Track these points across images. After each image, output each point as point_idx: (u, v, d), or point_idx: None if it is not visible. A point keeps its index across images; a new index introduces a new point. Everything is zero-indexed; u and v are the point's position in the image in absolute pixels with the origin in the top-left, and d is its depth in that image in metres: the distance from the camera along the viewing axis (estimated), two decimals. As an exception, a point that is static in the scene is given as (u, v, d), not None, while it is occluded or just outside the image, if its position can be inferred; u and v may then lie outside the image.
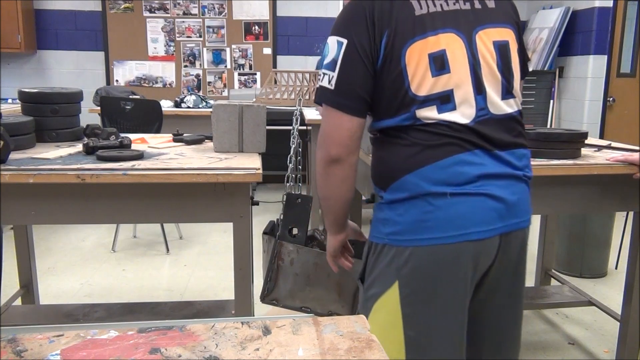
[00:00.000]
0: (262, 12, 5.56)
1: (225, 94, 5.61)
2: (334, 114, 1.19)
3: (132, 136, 2.06)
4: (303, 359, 0.67)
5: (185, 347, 0.70)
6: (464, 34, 1.17)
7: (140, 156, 1.73)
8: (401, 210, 1.18)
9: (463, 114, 1.16)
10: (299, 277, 1.74)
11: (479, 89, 1.17)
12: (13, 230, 2.50)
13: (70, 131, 2.00)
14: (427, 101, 1.14)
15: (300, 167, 2.00)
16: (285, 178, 1.87)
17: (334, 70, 1.18)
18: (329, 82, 1.18)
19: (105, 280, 3.24)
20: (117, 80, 5.55)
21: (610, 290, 3.16)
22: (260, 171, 1.64)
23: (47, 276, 3.24)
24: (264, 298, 1.78)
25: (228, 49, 5.61)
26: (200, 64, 5.61)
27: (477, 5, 1.21)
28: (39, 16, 5.39)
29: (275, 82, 1.90)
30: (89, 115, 4.05)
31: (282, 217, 1.77)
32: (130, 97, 3.93)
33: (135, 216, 1.88)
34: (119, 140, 1.86)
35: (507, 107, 1.22)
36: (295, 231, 1.76)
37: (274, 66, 5.64)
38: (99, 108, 3.84)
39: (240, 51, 5.62)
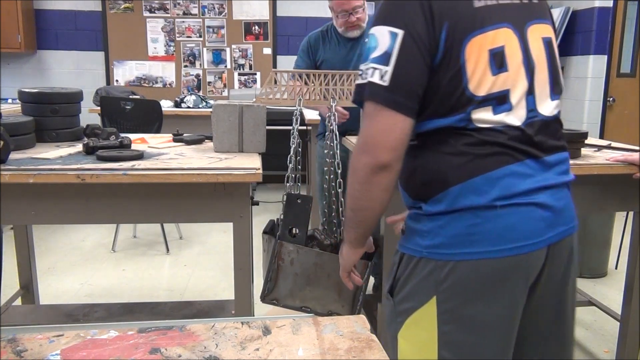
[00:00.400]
0: (262, 12, 5.56)
1: (225, 94, 5.60)
2: (387, 113, 1.05)
3: (132, 136, 2.06)
4: (303, 359, 0.67)
5: (185, 347, 0.70)
6: (517, 30, 1.09)
7: (140, 156, 1.73)
8: (443, 223, 1.09)
9: (516, 116, 1.08)
10: (299, 277, 1.74)
11: (530, 89, 1.10)
12: (13, 230, 2.50)
13: (70, 131, 2.00)
14: (484, 102, 1.06)
15: (300, 167, 2.00)
16: (285, 178, 1.87)
17: (387, 65, 1.04)
18: (381, 77, 1.04)
19: (105, 280, 3.24)
20: (117, 80, 5.55)
21: (610, 290, 3.16)
22: (260, 171, 1.64)
23: (47, 276, 3.24)
24: (264, 298, 1.78)
25: (228, 49, 5.61)
26: (200, 64, 5.61)
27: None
28: (39, 16, 5.39)
29: (275, 82, 1.90)
30: (89, 115, 4.04)
31: (282, 217, 1.77)
32: (130, 97, 3.93)
33: (135, 216, 1.88)
34: (119, 140, 1.86)
35: (554, 109, 1.16)
36: (295, 231, 1.76)
37: (274, 66, 5.64)
38: (99, 108, 3.84)
39: (240, 51, 5.62)
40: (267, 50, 5.63)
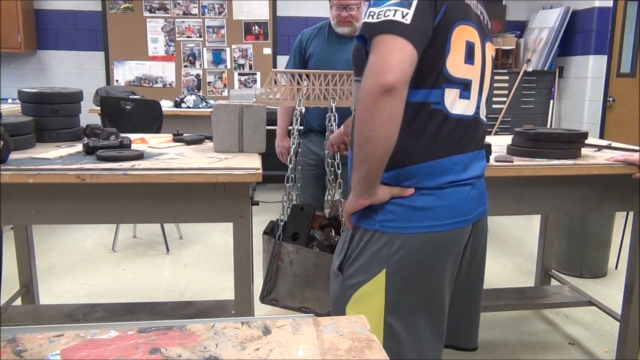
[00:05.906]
0: (262, 12, 5.56)
1: (225, 94, 5.60)
2: (401, 41, 1.06)
3: (132, 136, 2.06)
4: (303, 359, 0.67)
5: (185, 347, 0.70)
6: (481, 38, 1.24)
7: (140, 156, 1.73)
8: (396, 198, 1.20)
9: (470, 107, 1.23)
10: (298, 278, 1.74)
11: (480, 90, 1.26)
12: (13, 230, 2.50)
13: (70, 131, 2.00)
14: (455, 83, 1.18)
15: (300, 167, 2.00)
16: (285, 178, 1.87)
17: (409, 8, 1.07)
18: (403, 17, 1.07)
19: (105, 280, 3.24)
20: (117, 80, 5.55)
21: (610, 290, 3.16)
22: (260, 171, 1.64)
23: (47, 276, 3.24)
24: (264, 298, 1.78)
25: (228, 49, 5.61)
26: (200, 64, 5.61)
27: (485, 20, 1.29)
28: (39, 16, 5.39)
29: (275, 82, 1.90)
30: (89, 115, 4.05)
31: (283, 225, 1.78)
32: (130, 97, 3.93)
33: (135, 216, 1.88)
34: (119, 140, 1.86)
35: (485, 114, 1.33)
36: (297, 236, 1.76)
37: (274, 66, 5.63)
38: (99, 108, 3.84)
39: (240, 51, 5.62)
40: (267, 50, 5.63)
